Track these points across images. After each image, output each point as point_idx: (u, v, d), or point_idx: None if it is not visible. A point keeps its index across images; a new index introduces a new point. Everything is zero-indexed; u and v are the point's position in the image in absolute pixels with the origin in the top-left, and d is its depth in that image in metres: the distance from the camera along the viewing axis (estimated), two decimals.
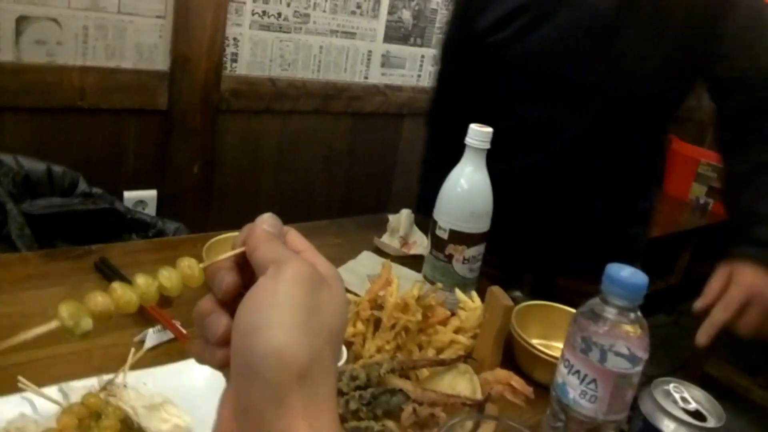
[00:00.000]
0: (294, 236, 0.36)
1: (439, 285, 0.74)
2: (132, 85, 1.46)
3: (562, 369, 0.57)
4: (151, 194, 1.53)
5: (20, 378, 0.55)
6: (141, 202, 1.51)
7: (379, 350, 0.65)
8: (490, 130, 0.81)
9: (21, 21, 1.33)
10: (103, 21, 1.41)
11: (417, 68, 1.93)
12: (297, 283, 0.30)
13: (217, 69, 1.56)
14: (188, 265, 0.34)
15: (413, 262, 0.99)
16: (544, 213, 1.04)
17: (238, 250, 0.34)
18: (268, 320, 0.29)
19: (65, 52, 1.39)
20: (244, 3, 1.58)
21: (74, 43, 1.39)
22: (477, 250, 0.83)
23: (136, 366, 0.60)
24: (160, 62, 1.50)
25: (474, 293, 0.77)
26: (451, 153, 0.85)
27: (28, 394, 0.55)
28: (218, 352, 0.33)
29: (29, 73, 1.34)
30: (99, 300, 0.32)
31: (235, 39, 1.60)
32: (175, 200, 1.57)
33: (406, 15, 1.87)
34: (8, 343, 0.30)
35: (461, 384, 0.59)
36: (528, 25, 0.95)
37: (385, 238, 1.08)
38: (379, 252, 1.04)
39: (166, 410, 0.55)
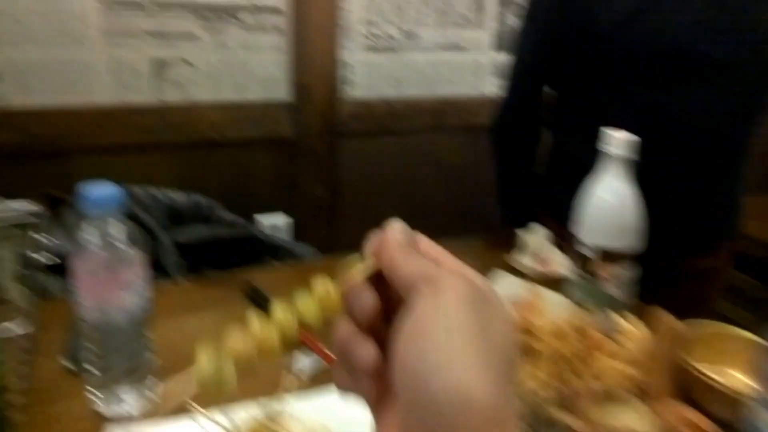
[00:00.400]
0: (428, 244, 0.31)
1: (592, 308, 0.69)
2: (258, 116, 1.54)
3: (756, 406, 0.50)
4: (281, 219, 1.60)
5: (191, 402, 0.58)
6: (274, 226, 1.58)
7: (532, 379, 0.62)
8: (635, 138, 0.76)
9: (160, 65, 1.45)
10: (230, 59, 1.50)
11: None
12: (462, 306, 0.26)
13: (334, 94, 1.61)
14: (325, 290, 0.30)
15: (552, 282, 0.94)
16: (664, 200, 0.97)
17: (369, 265, 0.30)
18: (445, 356, 0.25)
19: (199, 91, 1.49)
20: (353, 28, 1.62)
21: (206, 81, 1.50)
22: (628, 269, 0.77)
23: (291, 391, 0.61)
24: (283, 92, 1.57)
25: (633, 317, 0.71)
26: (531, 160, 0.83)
27: (199, 417, 0.57)
28: (365, 383, 0.29)
29: (170, 112, 1.46)
30: (240, 346, 0.30)
31: (348, 64, 1.64)
32: (303, 223, 1.63)
33: (514, 21, 1.83)
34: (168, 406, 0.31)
35: (631, 418, 0.54)
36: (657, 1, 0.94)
37: (518, 256, 1.04)
38: (512, 271, 1.00)
39: None
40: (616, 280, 0.76)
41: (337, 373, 0.31)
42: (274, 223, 1.58)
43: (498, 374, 0.25)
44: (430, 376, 0.25)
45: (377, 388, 0.29)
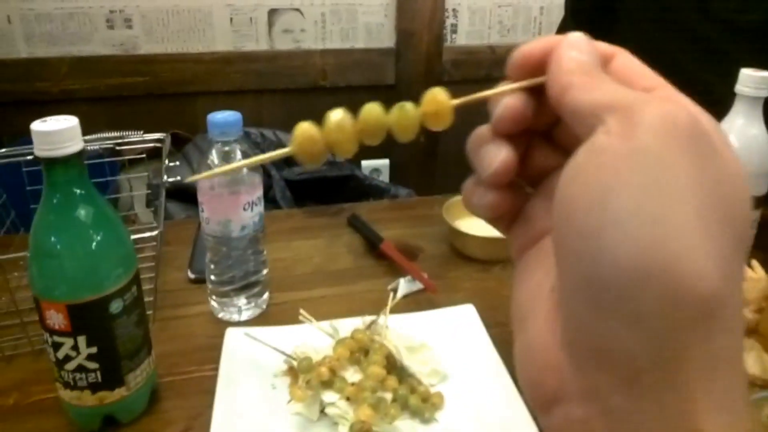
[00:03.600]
0: (630, 62, 0.22)
1: None
2: (363, 63, 1.57)
3: None
4: (384, 163, 1.64)
5: (302, 311, 0.62)
6: (376, 170, 1.62)
7: None
8: (767, 74, 0.69)
9: (272, 13, 1.50)
10: (337, 7, 1.53)
11: None
12: (675, 143, 0.18)
13: (438, 41, 1.59)
14: (434, 98, 0.25)
15: None
16: None
17: (532, 81, 0.23)
18: (648, 215, 0.17)
19: (308, 38, 1.54)
20: None
21: (314, 29, 1.53)
22: (753, 215, 0.72)
23: (392, 311, 0.64)
24: (387, 39, 1.58)
25: (754, 262, 0.67)
26: None
27: (307, 326, 0.62)
28: (488, 195, 0.25)
29: (280, 58, 1.52)
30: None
31: (453, 10, 1.61)
32: (405, 168, 1.65)
33: None
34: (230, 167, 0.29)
35: (748, 361, 0.52)
36: None
37: None
38: None
39: (425, 353, 0.58)
40: None
41: (466, 185, 0.26)
42: (377, 167, 1.62)
43: (727, 252, 0.17)
44: (620, 244, 0.17)
45: (502, 203, 0.25)
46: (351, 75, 1.57)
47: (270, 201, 1.13)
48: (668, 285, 0.16)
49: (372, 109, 0.26)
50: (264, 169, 1.16)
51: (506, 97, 0.24)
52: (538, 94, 0.23)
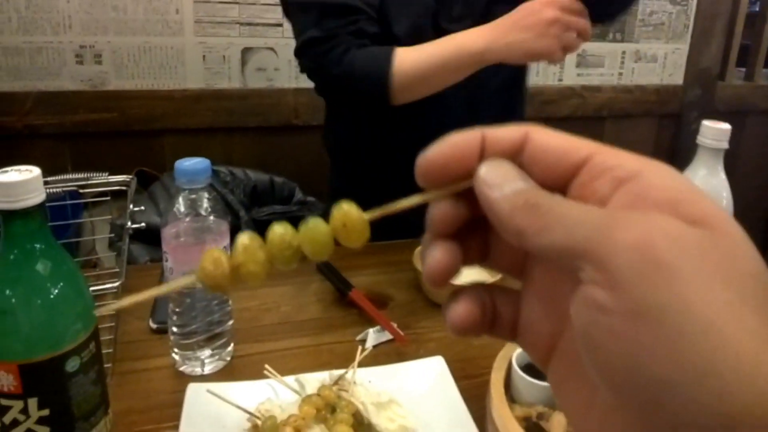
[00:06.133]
0: (546, 140, 0.20)
1: None
2: None
3: None
4: None
5: (267, 366, 0.61)
6: None
7: None
8: (728, 127, 0.72)
9: (245, 52, 1.51)
10: None
11: (618, 66, 1.80)
12: (662, 276, 0.16)
13: None
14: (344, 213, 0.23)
15: None
16: None
17: (452, 189, 0.22)
18: (692, 369, 0.15)
19: (281, 77, 1.54)
20: None
21: (288, 68, 1.54)
22: None
23: (359, 364, 0.63)
24: None
25: None
26: None
27: (272, 381, 0.60)
28: (455, 306, 0.23)
29: (253, 97, 1.52)
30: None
31: None
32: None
33: None
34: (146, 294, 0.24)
35: None
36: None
37: None
38: None
39: (393, 410, 0.57)
40: None
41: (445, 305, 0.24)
42: None
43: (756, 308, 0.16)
44: (682, 411, 0.15)
45: (527, 339, 0.22)
46: (323, 114, 1.57)
47: None
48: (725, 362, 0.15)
49: (278, 231, 0.23)
50: (231, 210, 1.15)
51: (435, 202, 0.22)
52: (469, 192, 0.21)
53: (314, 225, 0.23)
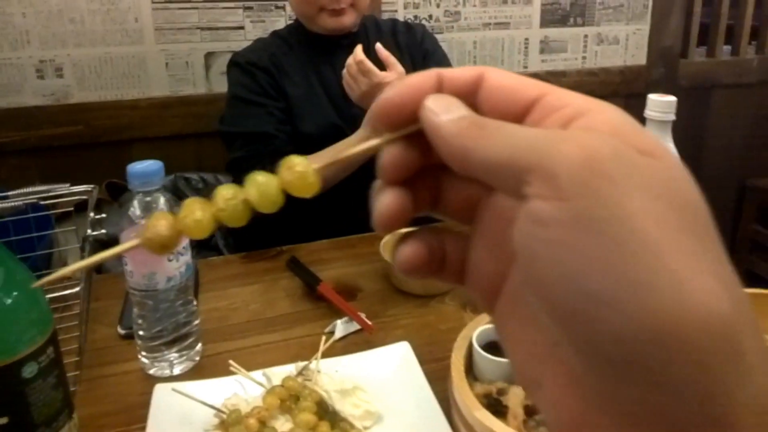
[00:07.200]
0: (500, 79, 0.21)
1: None
2: None
3: None
4: None
5: (231, 362, 0.61)
6: None
7: None
8: (673, 99, 0.73)
9: (208, 56, 1.50)
10: None
11: (581, 50, 1.83)
12: (608, 185, 0.16)
13: None
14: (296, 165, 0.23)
15: None
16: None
17: (403, 131, 0.22)
18: (630, 280, 0.15)
19: None
20: (396, 11, 1.62)
21: None
22: None
23: (327, 354, 0.64)
24: None
25: None
26: None
27: (239, 377, 0.61)
28: (403, 247, 0.23)
29: (219, 101, 1.51)
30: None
31: None
32: None
33: None
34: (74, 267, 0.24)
35: None
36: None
37: None
38: None
39: (358, 396, 0.57)
40: None
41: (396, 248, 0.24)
42: None
43: (718, 268, 0.16)
44: (612, 326, 0.15)
45: (474, 282, 0.23)
46: None
47: (212, 248, 1.11)
48: (679, 333, 0.15)
49: (224, 186, 0.23)
50: None
51: (387, 147, 0.22)
52: (420, 136, 0.21)
53: (261, 174, 0.23)
